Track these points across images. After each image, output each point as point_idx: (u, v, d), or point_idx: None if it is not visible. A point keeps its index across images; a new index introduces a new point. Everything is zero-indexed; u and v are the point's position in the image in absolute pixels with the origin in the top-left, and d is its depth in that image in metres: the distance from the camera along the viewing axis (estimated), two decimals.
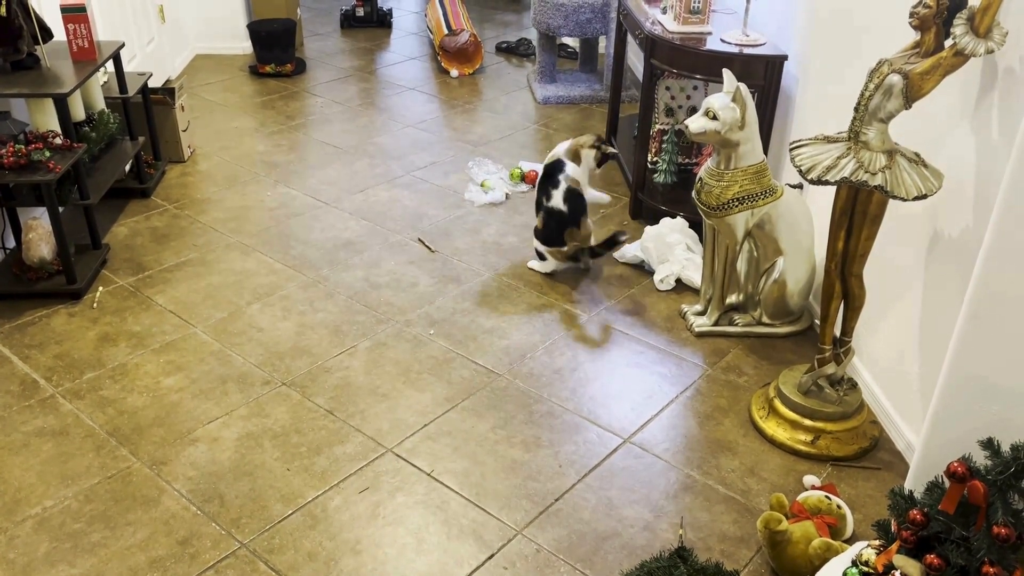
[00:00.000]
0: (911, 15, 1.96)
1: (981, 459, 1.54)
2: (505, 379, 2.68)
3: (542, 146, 4.47)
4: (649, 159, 3.84)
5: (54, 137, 2.98)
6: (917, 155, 2.10)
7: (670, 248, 3.23)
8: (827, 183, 2.10)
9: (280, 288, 3.15)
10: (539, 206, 3.23)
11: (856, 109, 2.08)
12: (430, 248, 3.45)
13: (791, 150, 2.21)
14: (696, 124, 2.59)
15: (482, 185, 3.91)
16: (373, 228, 3.60)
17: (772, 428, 2.44)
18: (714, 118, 2.56)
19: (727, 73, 2.62)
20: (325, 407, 2.54)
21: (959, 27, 1.86)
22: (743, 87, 2.56)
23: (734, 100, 2.55)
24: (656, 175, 3.78)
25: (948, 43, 1.92)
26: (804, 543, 1.95)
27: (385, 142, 4.47)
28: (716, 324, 2.92)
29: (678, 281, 3.19)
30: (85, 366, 2.69)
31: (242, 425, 2.46)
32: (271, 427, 2.46)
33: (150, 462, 2.32)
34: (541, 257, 3.25)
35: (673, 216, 3.39)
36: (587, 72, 5.47)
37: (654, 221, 3.40)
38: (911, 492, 1.65)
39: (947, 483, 1.56)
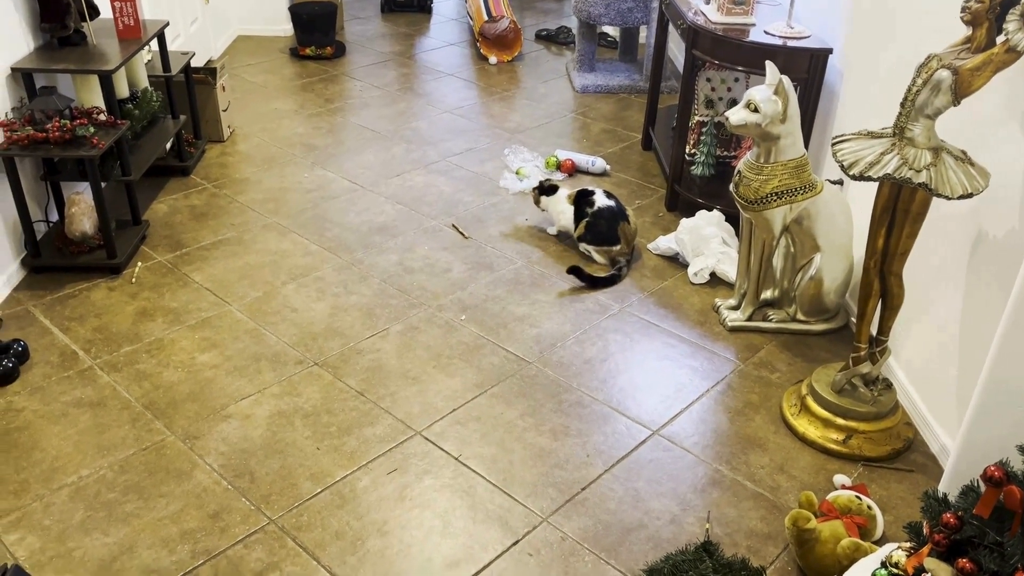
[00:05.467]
0: (963, 10, 1.91)
1: (1019, 464, 1.51)
2: (535, 367, 2.68)
3: (579, 135, 4.46)
4: (687, 151, 3.80)
5: (98, 113, 3.03)
6: (963, 153, 2.06)
7: (706, 241, 3.20)
8: (869, 179, 2.06)
9: (315, 269, 3.18)
10: (581, 217, 3.26)
11: (902, 104, 2.04)
12: (464, 234, 3.46)
13: (833, 145, 2.17)
14: (737, 116, 2.56)
15: (517, 173, 3.90)
16: (408, 213, 3.62)
17: (803, 426, 2.42)
18: (755, 110, 2.53)
19: (770, 65, 2.58)
20: (356, 388, 2.57)
21: (1012, 23, 1.82)
22: (786, 80, 2.52)
23: (776, 93, 2.52)
24: (694, 167, 3.75)
25: (1000, 39, 1.87)
26: (832, 542, 1.93)
27: (422, 127, 4.48)
28: (750, 319, 2.89)
29: (712, 275, 3.16)
30: (123, 340, 2.74)
31: (274, 403, 2.49)
32: (302, 406, 2.49)
33: (183, 436, 2.36)
34: (580, 277, 3.19)
35: (710, 209, 3.36)
36: (627, 62, 5.42)
37: (690, 213, 3.37)
38: (945, 495, 1.62)
39: (983, 487, 1.53)
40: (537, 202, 3.45)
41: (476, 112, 4.72)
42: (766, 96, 2.52)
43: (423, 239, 3.42)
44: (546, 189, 3.43)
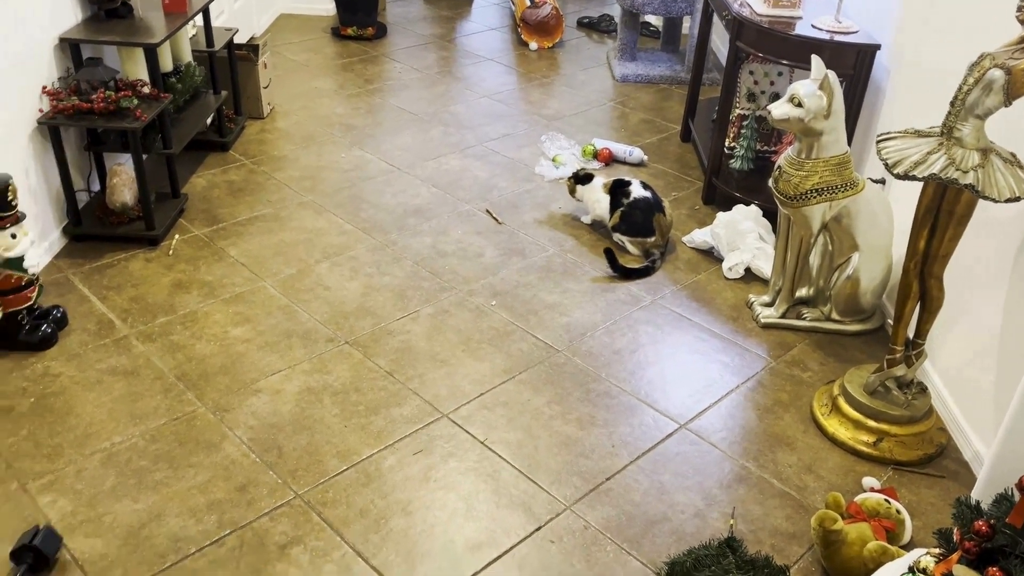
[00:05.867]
0: (1019, 9, 1.86)
1: None
2: (564, 355, 2.68)
3: (617, 124, 4.42)
4: (727, 144, 3.76)
5: (142, 86, 3.07)
6: (1013, 155, 2.01)
7: (741, 236, 3.17)
8: (914, 179, 2.02)
9: (349, 249, 3.20)
10: (616, 206, 3.24)
11: (952, 104, 1.99)
12: (497, 220, 3.45)
13: (878, 142, 2.13)
14: (779, 110, 2.52)
15: (554, 160, 3.89)
16: (443, 196, 3.62)
17: (834, 426, 2.39)
18: (799, 105, 2.49)
19: (816, 59, 2.54)
20: (385, 368, 2.58)
21: None
22: (832, 75, 2.48)
23: (821, 88, 2.47)
24: (733, 161, 3.70)
25: None
26: (859, 545, 1.91)
27: (460, 111, 4.48)
28: (783, 317, 2.86)
29: (747, 270, 3.13)
30: (158, 311, 2.78)
31: (304, 380, 2.52)
32: (332, 384, 2.51)
33: (214, 408, 2.39)
34: (613, 266, 3.17)
35: (747, 203, 3.32)
36: (668, 52, 5.37)
37: (727, 207, 3.34)
38: (978, 502, 1.59)
39: (1017, 496, 1.50)
40: (572, 191, 3.44)
41: (514, 98, 4.70)
42: (811, 91, 2.48)
43: (457, 223, 3.42)
44: (581, 178, 3.41)
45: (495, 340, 2.74)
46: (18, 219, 2.44)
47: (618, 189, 3.30)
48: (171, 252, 3.10)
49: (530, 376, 2.58)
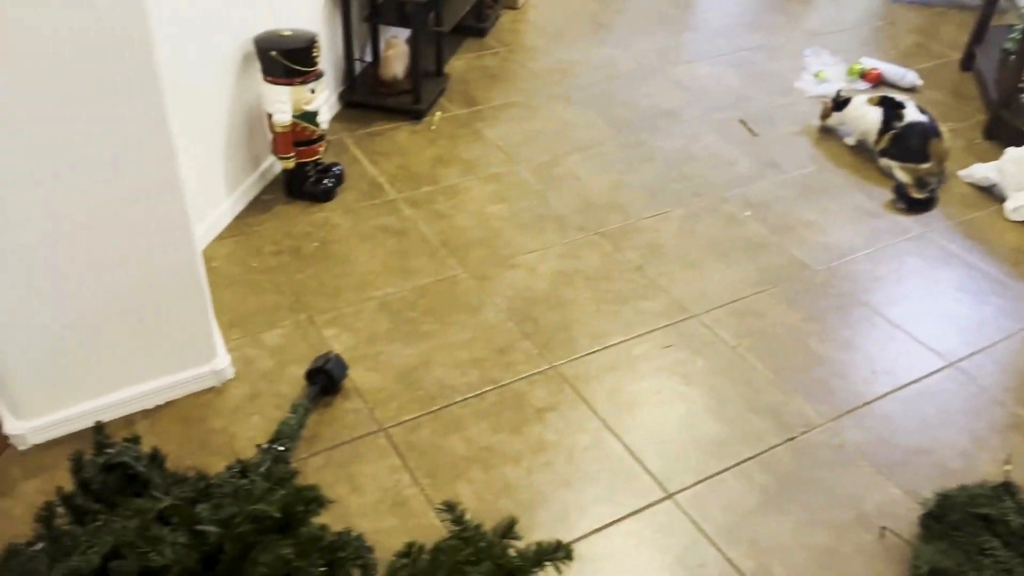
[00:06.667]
0: None
1: None
2: (822, 275, 2.58)
3: (886, 45, 4.09)
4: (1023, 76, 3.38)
5: None
6: None
7: None
8: None
9: (599, 144, 3.20)
10: (887, 129, 3.01)
11: None
12: (752, 131, 3.32)
13: None
14: None
15: (817, 75, 3.66)
16: (694, 101, 3.52)
17: None
18: None
19: None
20: (635, 262, 2.59)
21: None
22: None
23: None
24: None
25: None
26: None
27: (713, 18, 4.30)
28: None
29: None
30: (422, 180, 2.92)
31: (556, 262, 2.58)
32: (583, 269, 2.55)
33: (474, 275, 2.50)
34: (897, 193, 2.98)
35: None
36: None
37: (1014, 143, 3.02)
38: None
39: None
40: (826, 115, 3.24)
41: (773, 8, 4.44)
42: None
43: (708, 130, 3.32)
44: (840, 103, 3.19)
45: (748, 250, 2.67)
46: (318, 75, 2.61)
47: (890, 110, 3.06)
48: (433, 127, 3.23)
49: (785, 291, 2.51)
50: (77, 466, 1.49)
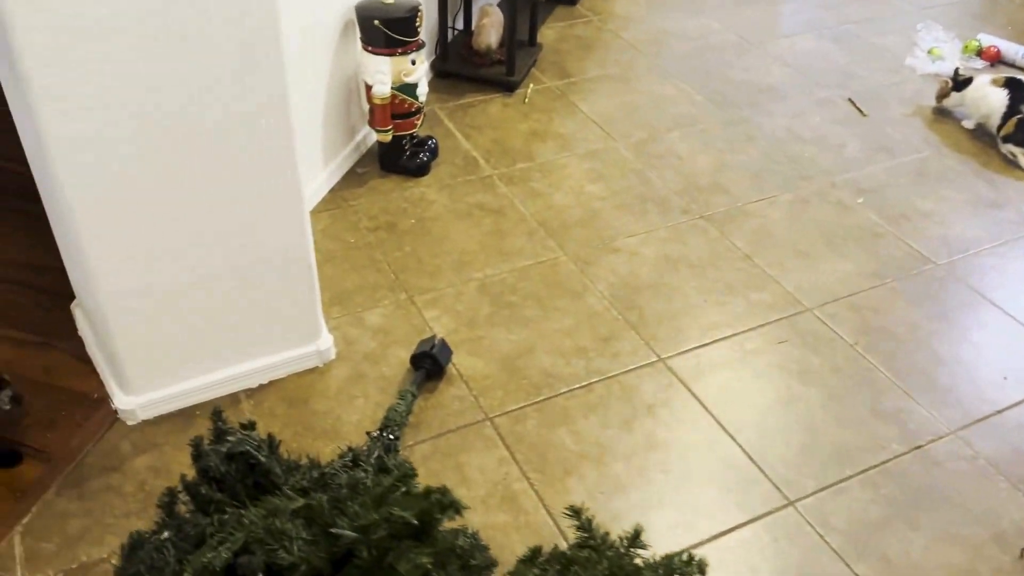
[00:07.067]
0: None
1: None
2: (943, 269, 2.43)
3: (1002, 21, 3.84)
4: None
5: None
6: None
7: None
8: None
9: (699, 121, 3.06)
10: (1013, 113, 2.83)
11: None
12: (861, 110, 3.15)
13: None
14: None
15: (930, 52, 3.45)
16: (797, 78, 3.35)
17: None
18: None
19: None
20: (743, 250, 2.48)
21: None
22: None
23: None
24: None
25: None
26: None
27: None
28: None
29: None
30: (517, 156, 2.83)
31: (660, 247, 2.48)
32: (688, 256, 2.45)
33: (575, 259, 2.42)
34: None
35: None
36: None
37: None
38: None
39: None
40: (943, 95, 3.05)
41: None
42: None
43: (813, 108, 3.16)
44: (960, 83, 3.00)
45: (861, 240, 2.53)
46: (419, 46, 2.53)
47: (1017, 93, 2.87)
48: (526, 100, 3.13)
49: (904, 286, 2.37)
50: (197, 453, 1.46)
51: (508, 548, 1.65)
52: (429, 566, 1.15)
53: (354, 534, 1.16)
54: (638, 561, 1.41)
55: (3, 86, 1.65)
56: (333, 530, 1.18)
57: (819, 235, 2.55)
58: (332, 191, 2.61)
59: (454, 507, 1.23)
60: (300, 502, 1.21)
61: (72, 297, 2.05)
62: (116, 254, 1.62)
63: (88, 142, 1.47)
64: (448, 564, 1.17)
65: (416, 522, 1.18)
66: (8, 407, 1.65)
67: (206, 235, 1.69)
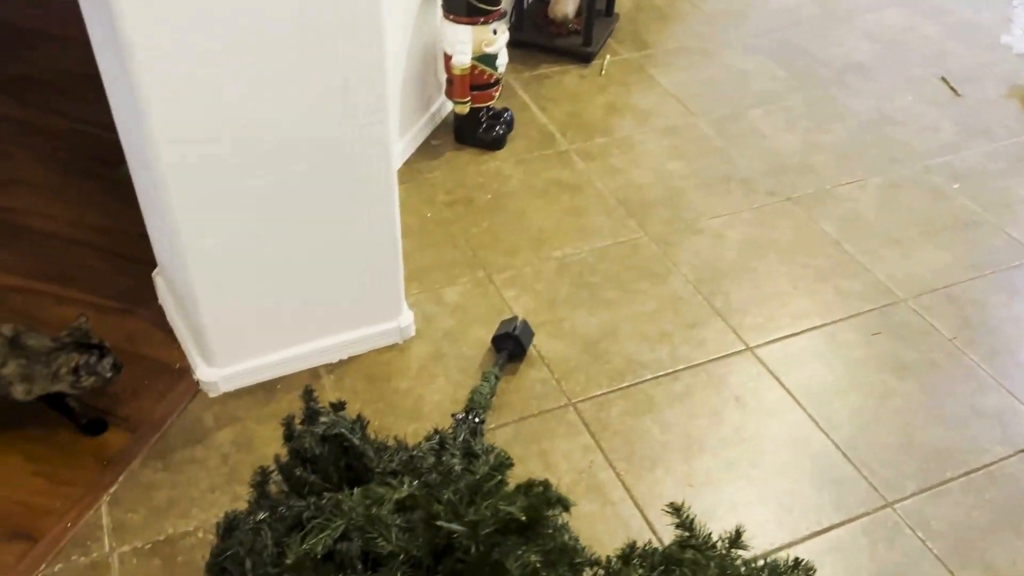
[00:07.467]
0: None
1: None
2: None
3: None
4: None
5: None
6: None
7: None
8: None
9: (783, 98, 2.94)
10: None
11: None
12: (955, 91, 3.00)
13: None
14: None
15: None
16: (887, 55, 3.20)
17: None
18: None
19: None
20: (832, 235, 2.38)
21: None
22: None
23: None
24: None
25: None
26: None
27: None
28: None
29: None
30: (594, 130, 2.75)
31: (745, 229, 2.39)
32: (775, 239, 2.36)
33: (657, 240, 2.34)
34: None
35: None
36: None
37: None
38: None
39: None
40: None
41: None
42: None
43: (904, 88, 3.02)
44: None
45: (958, 229, 2.42)
46: (501, 15, 2.45)
47: None
48: (603, 72, 3.03)
49: (1005, 278, 2.25)
50: (289, 433, 1.43)
51: (595, 539, 1.60)
52: (538, 565, 1.10)
53: (462, 528, 1.12)
54: (738, 562, 1.36)
55: (97, 53, 1.62)
56: (440, 523, 1.14)
57: (913, 222, 2.44)
58: (407, 163, 2.56)
59: (562, 503, 1.18)
60: (404, 492, 1.18)
61: (152, 264, 2.03)
62: (207, 228, 1.59)
63: (188, 115, 1.44)
64: (559, 564, 1.12)
65: (524, 519, 1.13)
66: (110, 374, 1.64)
67: (297, 209, 1.65)
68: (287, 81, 1.48)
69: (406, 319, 1.99)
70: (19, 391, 1.59)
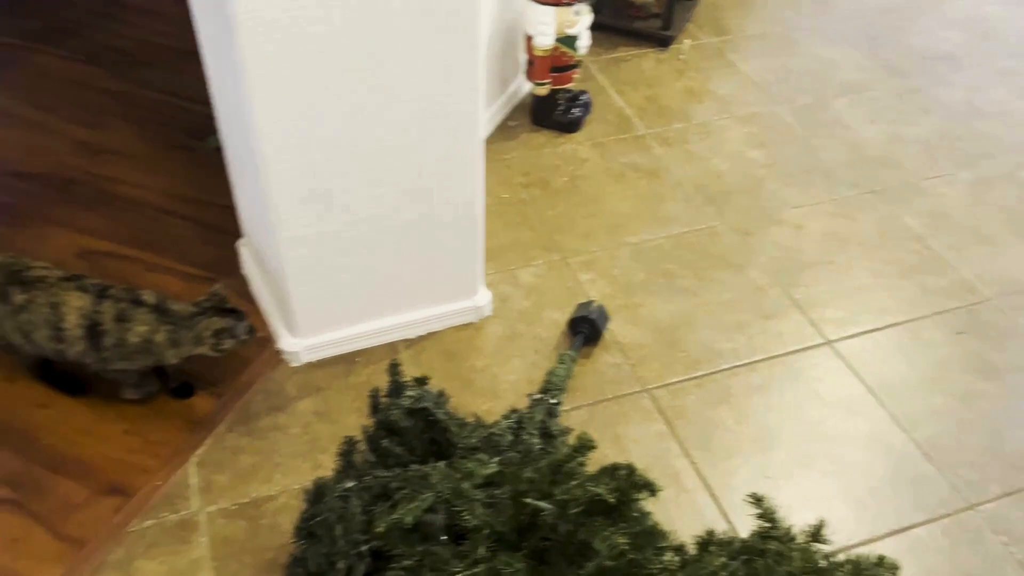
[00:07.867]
0: None
1: None
2: None
3: None
4: None
5: None
6: None
7: None
8: None
9: (868, 88, 2.87)
10: None
11: None
12: None
13: None
14: None
15: None
16: (977, 44, 3.09)
17: None
18: None
19: None
20: (917, 230, 2.32)
21: None
22: None
23: None
24: None
25: None
26: None
27: None
28: None
29: None
30: (672, 116, 2.72)
31: (826, 221, 2.34)
32: (857, 233, 2.31)
33: (735, 229, 2.31)
34: None
35: None
36: None
37: None
38: None
39: None
40: None
41: None
42: None
43: (997, 79, 2.92)
44: None
45: None
46: None
47: None
48: (681, 56, 2.99)
49: None
50: (375, 405, 1.46)
51: (668, 526, 1.57)
52: (626, 548, 1.11)
53: (551, 507, 1.14)
54: (818, 557, 1.35)
55: (198, 19, 1.66)
56: (528, 500, 1.16)
57: (1003, 219, 2.36)
58: (485, 143, 2.56)
59: (649, 488, 1.18)
60: (493, 468, 1.20)
61: (237, 235, 2.08)
62: (300, 202, 1.62)
63: (289, 93, 1.46)
64: (645, 547, 1.13)
65: (613, 500, 1.14)
66: (245, 337, 1.68)
67: (386, 185, 1.67)
68: (382, 58, 1.50)
69: (483, 298, 2.00)
70: (170, 355, 1.65)
